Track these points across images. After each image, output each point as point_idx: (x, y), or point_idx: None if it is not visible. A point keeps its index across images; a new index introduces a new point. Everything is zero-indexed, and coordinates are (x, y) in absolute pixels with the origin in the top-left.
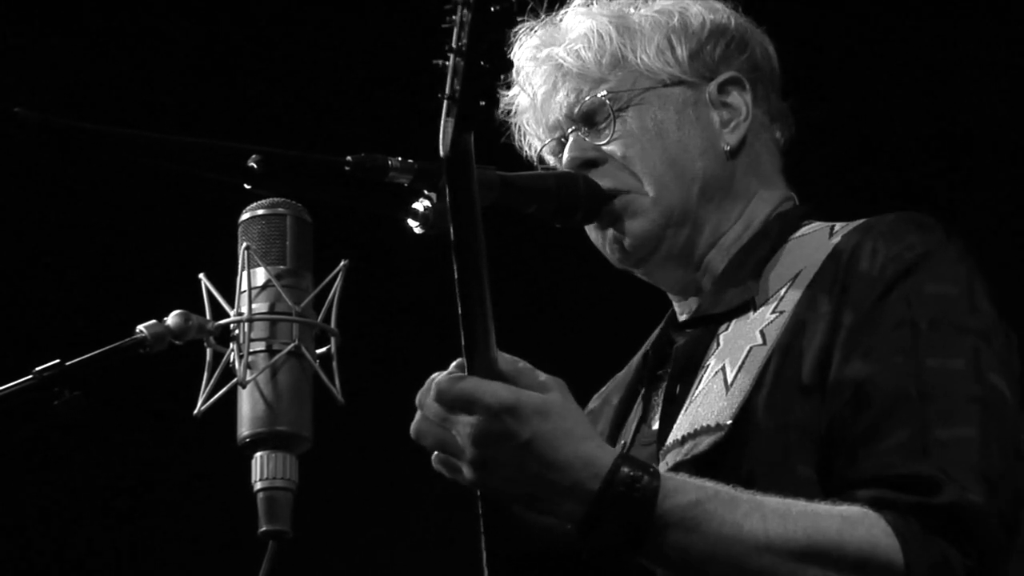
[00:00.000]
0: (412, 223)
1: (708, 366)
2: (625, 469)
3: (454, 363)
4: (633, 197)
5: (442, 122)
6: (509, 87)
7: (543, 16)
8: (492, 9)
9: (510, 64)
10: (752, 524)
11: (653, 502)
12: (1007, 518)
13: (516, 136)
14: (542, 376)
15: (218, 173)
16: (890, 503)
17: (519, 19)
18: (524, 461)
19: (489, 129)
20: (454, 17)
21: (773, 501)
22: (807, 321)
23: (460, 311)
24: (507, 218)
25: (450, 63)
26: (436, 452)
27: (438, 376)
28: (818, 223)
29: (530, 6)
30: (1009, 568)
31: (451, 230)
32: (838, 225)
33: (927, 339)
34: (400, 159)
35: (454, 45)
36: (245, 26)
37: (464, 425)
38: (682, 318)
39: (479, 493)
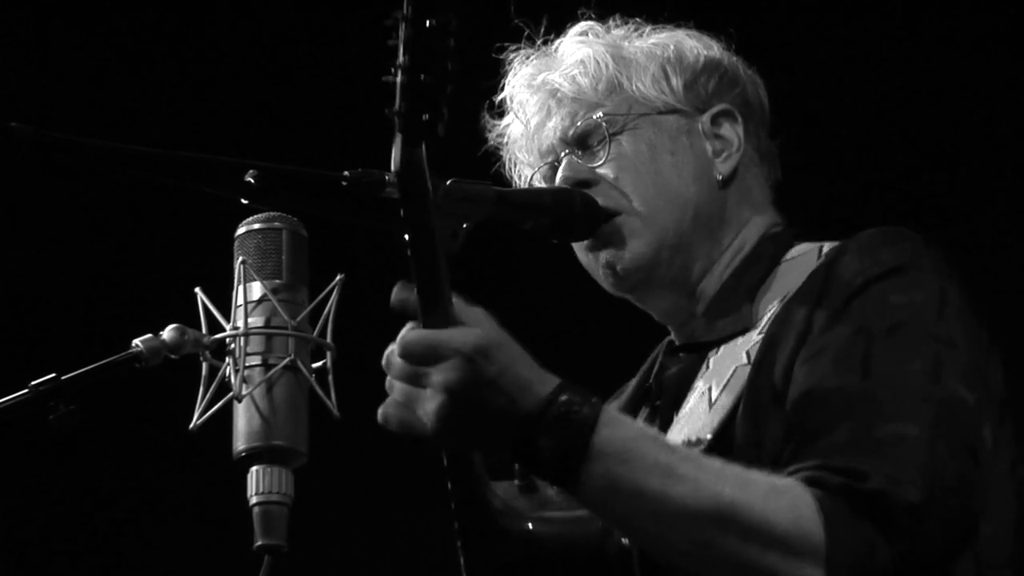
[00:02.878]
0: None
1: (696, 388)
2: (565, 395)
3: (408, 325)
4: (625, 219)
5: (394, 142)
6: (502, 115)
7: (539, 45)
8: (428, 24)
9: (456, 76)
10: (685, 470)
11: (592, 427)
12: (950, 519)
13: (507, 167)
14: (474, 308)
15: (215, 188)
16: (821, 482)
17: (515, 47)
18: (492, 397)
19: (477, 151)
20: (396, 32)
21: (711, 459)
22: (781, 335)
23: (413, 273)
24: (501, 234)
25: (396, 80)
26: (391, 408)
27: (401, 334)
28: (809, 244)
29: (526, 34)
30: (958, 568)
31: (408, 245)
32: (827, 245)
33: (883, 343)
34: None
35: (397, 62)
36: (242, 39)
37: (438, 374)
38: (677, 344)
39: (451, 490)
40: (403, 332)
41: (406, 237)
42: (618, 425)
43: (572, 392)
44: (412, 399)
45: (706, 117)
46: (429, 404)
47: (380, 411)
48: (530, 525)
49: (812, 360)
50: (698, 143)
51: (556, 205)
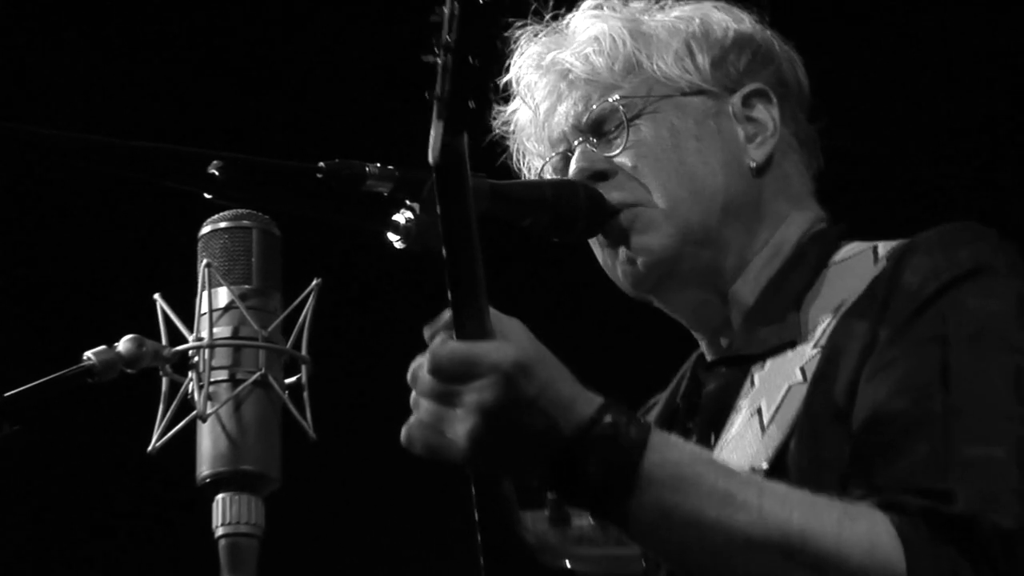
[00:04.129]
0: (393, 237)
1: (741, 408)
2: (611, 415)
3: (433, 329)
4: (642, 210)
5: (432, 126)
6: (507, 100)
7: (547, 20)
8: (482, 2)
9: (503, 61)
10: (747, 496)
11: (641, 449)
12: None
13: (515, 157)
14: (511, 319)
15: (175, 181)
16: (899, 506)
17: (521, 23)
18: (531, 418)
19: (482, 142)
20: (443, 8)
21: (773, 483)
22: (843, 347)
23: (448, 279)
24: (498, 232)
25: (439, 61)
26: (416, 430)
27: (432, 347)
28: (859, 244)
29: (533, 7)
30: None
31: (443, 247)
32: (882, 246)
33: (962, 354)
34: (379, 166)
35: (442, 41)
36: (209, 18)
37: (472, 392)
38: (711, 357)
39: (478, 521)
40: (434, 345)
41: (441, 236)
42: (670, 448)
43: (618, 412)
44: (441, 419)
45: (736, 98)
46: (461, 425)
47: (404, 431)
48: (568, 563)
49: (882, 373)
50: (728, 127)
51: (557, 200)
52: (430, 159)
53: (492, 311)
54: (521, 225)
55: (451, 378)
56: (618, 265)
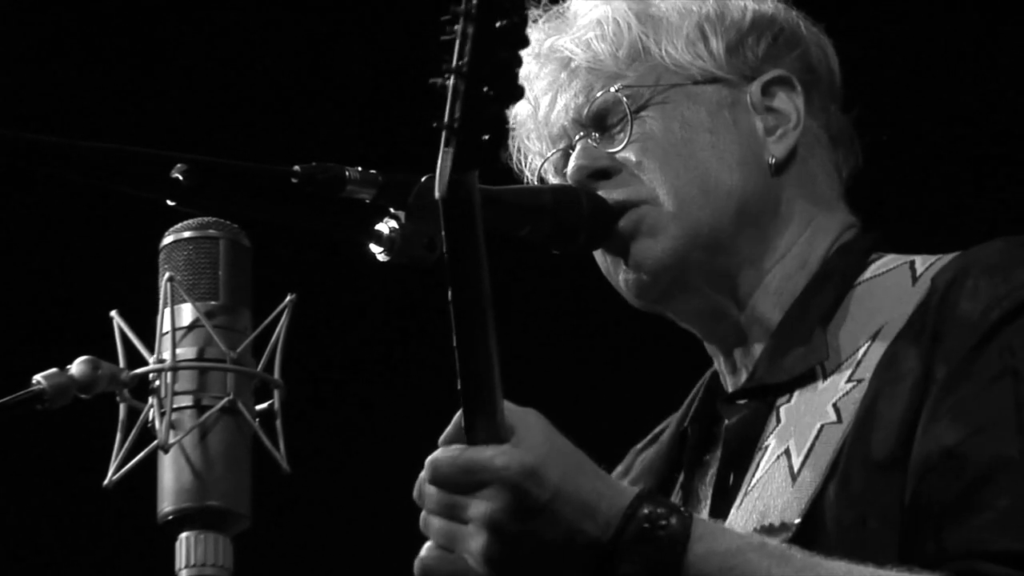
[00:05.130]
0: (375, 249)
1: (767, 448)
2: (646, 508)
3: (449, 429)
4: (647, 210)
5: (440, 156)
6: None
7: (547, 3)
8: (498, 24)
9: (521, 92)
10: None
11: (684, 543)
12: None
13: (513, 156)
14: (525, 412)
15: (134, 186)
16: (978, 575)
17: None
18: (548, 527)
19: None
20: (455, 28)
21: (832, 563)
22: (889, 385)
23: (460, 367)
24: (492, 243)
25: (449, 85)
26: (430, 559)
27: (433, 456)
28: (891, 257)
29: None
30: None
31: (448, 288)
32: (919, 261)
33: None
34: (360, 170)
35: (454, 64)
36: (174, 13)
37: (478, 505)
38: (730, 386)
39: None
40: (435, 454)
41: (449, 299)
42: (716, 537)
43: (654, 503)
44: (453, 538)
45: (755, 86)
46: (473, 543)
47: (417, 563)
48: None
49: (947, 416)
50: (745, 119)
51: (558, 207)
52: (436, 193)
53: (507, 405)
54: (518, 235)
55: (455, 489)
56: (621, 274)
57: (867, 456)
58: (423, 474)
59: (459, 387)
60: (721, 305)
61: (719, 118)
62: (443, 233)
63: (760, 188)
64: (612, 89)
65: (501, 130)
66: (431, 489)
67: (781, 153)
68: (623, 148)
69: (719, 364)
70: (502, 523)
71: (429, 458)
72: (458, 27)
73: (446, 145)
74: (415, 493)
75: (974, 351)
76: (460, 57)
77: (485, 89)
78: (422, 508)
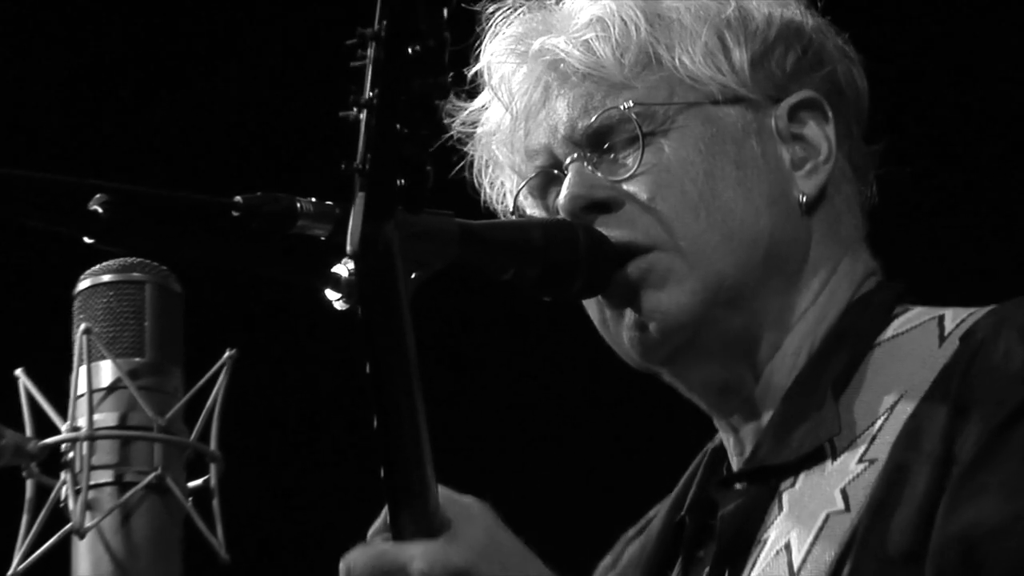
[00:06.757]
0: (332, 295)
1: (766, 540)
2: None
3: (378, 521)
4: (659, 257)
5: (354, 203)
6: (473, 96)
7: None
8: (410, 49)
9: (441, 130)
10: None
11: None
12: None
13: (476, 167)
14: (464, 501)
15: (45, 220)
16: None
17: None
18: None
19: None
20: (366, 53)
21: None
22: (907, 468)
23: (383, 449)
24: (471, 286)
25: (361, 120)
26: None
27: (348, 555)
28: (918, 311)
29: None
30: None
31: (367, 354)
32: (950, 316)
33: None
34: (314, 201)
35: (364, 96)
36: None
37: None
38: (735, 465)
39: None
40: (351, 553)
41: (367, 369)
42: None
43: None
44: None
45: (782, 110)
46: None
47: None
48: None
49: (973, 499)
50: (772, 149)
51: (550, 246)
52: (348, 248)
53: (445, 493)
54: (501, 279)
55: None
56: (624, 330)
57: (881, 550)
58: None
59: (382, 473)
60: (735, 376)
61: (745, 148)
62: (360, 300)
63: (789, 233)
64: (623, 106)
65: (419, 175)
66: None
67: (812, 191)
68: (630, 177)
69: (725, 440)
70: None
71: (344, 557)
72: (368, 52)
73: (360, 190)
74: None
75: (1005, 427)
76: (371, 88)
77: (398, 126)
78: None
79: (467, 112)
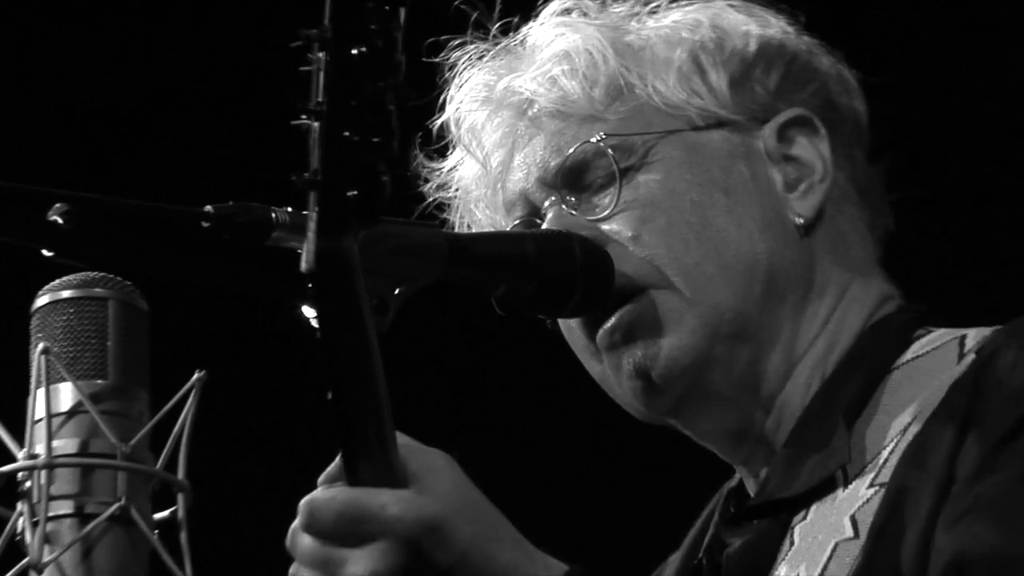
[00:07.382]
0: (308, 312)
1: None
2: None
3: (331, 467)
4: (652, 297)
5: (308, 217)
6: (444, 153)
7: (495, 35)
8: (355, 51)
9: (396, 136)
10: None
11: None
12: None
13: (460, 227)
14: (431, 453)
15: (0, 231)
16: None
17: (459, 40)
18: None
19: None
20: (313, 56)
21: None
22: (911, 487)
23: (333, 410)
24: (460, 305)
25: (313, 128)
26: None
27: (309, 498)
28: (940, 333)
29: (474, 18)
30: None
31: (328, 378)
32: (972, 335)
33: None
34: (290, 211)
35: (312, 103)
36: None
37: (358, 562)
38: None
39: None
40: (313, 495)
41: (327, 361)
42: None
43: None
44: None
45: (769, 130)
46: None
47: None
48: None
49: (970, 517)
50: (762, 172)
51: (543, 259)
52: (303, 265)
53: (407, 443)
54: (491, 296)
55: (335, 539)
56: (625, 380)
57: (886, 570)
58: (297, 520)
59: (339, 430)
60: (746, 418)
61: (733, 173)
62: (316, 308)
63: (788, 257)
64: (593, 139)
65: (375, 185)
66: (305, 539)
67: (808, 211)
68: (610, 216)
69: (745, 481)
70: None
71: (304, 499)
72: (315, 55)
73: (313, 204)
74: (287, 541)
75: (1003, 443)
76: (319, 94)
77: (347, 133)
78: (293, 560)
79: (441, 174)
